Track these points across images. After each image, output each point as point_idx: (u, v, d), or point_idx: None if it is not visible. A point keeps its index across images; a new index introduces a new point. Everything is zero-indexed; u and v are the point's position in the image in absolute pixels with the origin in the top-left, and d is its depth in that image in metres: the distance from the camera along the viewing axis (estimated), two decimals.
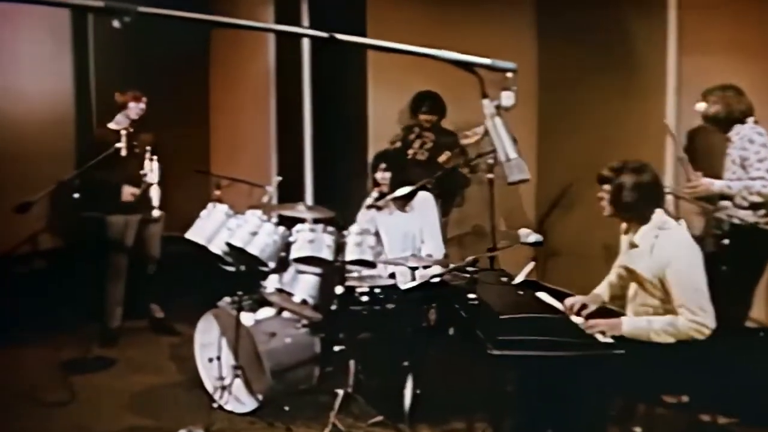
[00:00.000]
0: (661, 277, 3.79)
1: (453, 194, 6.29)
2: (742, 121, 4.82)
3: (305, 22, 6.72)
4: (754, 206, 4.76)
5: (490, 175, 4.97)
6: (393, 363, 4.75)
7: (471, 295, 3.80)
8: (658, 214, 3.90)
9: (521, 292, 4.06)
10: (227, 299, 5.07)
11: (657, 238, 3.85)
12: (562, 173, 6.30)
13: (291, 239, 4.68)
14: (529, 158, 6.50)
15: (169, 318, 6.51)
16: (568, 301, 4.16)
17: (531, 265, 4.02)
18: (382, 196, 5.25)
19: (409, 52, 2.78)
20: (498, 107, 2.84)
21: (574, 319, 3.85)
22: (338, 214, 5.15)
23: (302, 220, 4.90)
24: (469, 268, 3.82)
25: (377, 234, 4.67)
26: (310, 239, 4.60)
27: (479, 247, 6.56)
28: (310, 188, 6.93)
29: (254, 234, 4.69)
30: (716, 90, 4.84)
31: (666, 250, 3.80)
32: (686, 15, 5.33)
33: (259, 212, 4.79)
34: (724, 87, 4.84)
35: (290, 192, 6.46)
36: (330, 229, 4.65)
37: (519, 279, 4.02)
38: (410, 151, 6.28)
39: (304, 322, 4.94)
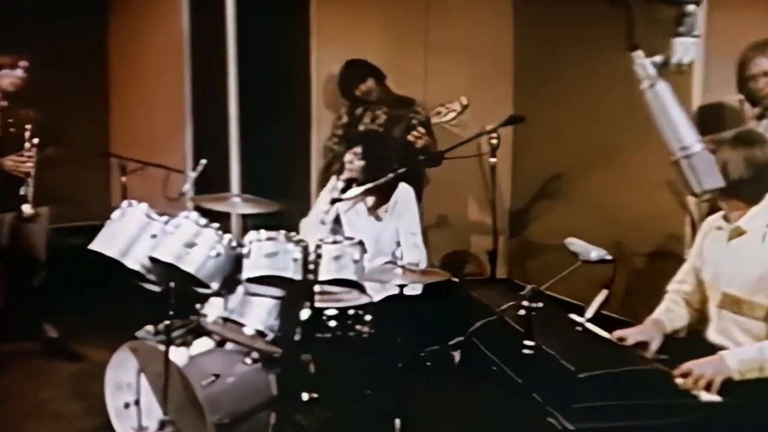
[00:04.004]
0: None
1: (421, 176, 4.94)
2: None
3: None
4: None
5: (492, 159, 3.69)
6: (374, 406, 3.51)
7: (528, 342, 2.50)
8: None
9: (579, 328, 2.81)
10: (149, 328, 3.66)
11: None
12: (544, 157, 5.12)
13: (242, 251, 3.27)
14: (504, 140, 5.26)
15: (68, 338, 4.99)
16: (620, 333, 2.94)
17: (604, 294, 2.77)
18: (348, 185, 3.92)
19: None
20: (664, 65, 1.57)
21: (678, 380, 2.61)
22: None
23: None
24: (526, 303, 2.52)
25: (362, 243, 3.31)
26: (270, 252, 3.20)
27: (448, 243, 5.31)
28: (236, 175, 5.47)
29: (190, 245, 3.27)
30: None
31: None
32: None
33: (195, 214, 3.36)
34: None
35: (210, 179, 4.96)
36: (296, 237, 3.27)
37: (590, 313, 2.76)
38: (360, 128, 4.91)
39: (255, 355, 3.58)
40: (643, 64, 1.54)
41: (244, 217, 4.79)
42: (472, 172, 5.02)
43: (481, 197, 5.28)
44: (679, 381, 2.56)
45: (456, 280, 3.61)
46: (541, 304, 2.53)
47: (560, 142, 5.04)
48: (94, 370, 4.32)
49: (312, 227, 3.97)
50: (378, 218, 4.05)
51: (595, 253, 2.82)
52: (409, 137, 4.55)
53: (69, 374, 4.68)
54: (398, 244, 4.03)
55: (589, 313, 2.74)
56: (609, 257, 2.82)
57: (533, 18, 5.38)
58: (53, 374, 4.69)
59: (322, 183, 5.12)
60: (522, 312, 2.56)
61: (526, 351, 2.54)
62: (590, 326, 2.80)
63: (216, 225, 3.35)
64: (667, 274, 4.33)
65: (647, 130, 4.47)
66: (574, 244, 2.94)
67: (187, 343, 3.59)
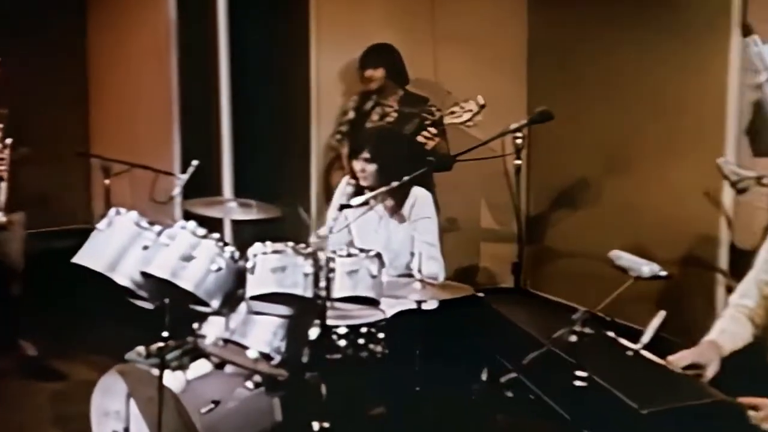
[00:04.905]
0: None
1: (431, 180, 4.63)
2: None
3: None
4: None
5: (517, 162, 3.42)
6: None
7: (580, 373, 2.23)
8: None
9: (630, 353, 2.54)
10: (140, 350, 3.38)
11: None
12: (560, 158, 4.86)
13: (247, 265, 2.97)
14: None
15: (48, 355, 4.71)
16: (676, 360, 2.67)
17: (661, 316, 2.49)
18: (358, 190, 3.65)
19: None
20: None
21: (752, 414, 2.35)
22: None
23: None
24: (578, 328, 2.25)
25: (379, 256, 3.01)
26: (277, 267, 2.89)
27: (458, 250, 5.02)
28: (228, 177, 5.18)
29: (187, 258, 2.96)
30: None
31: None
32: None
33: (192, 224, 3.05)
34: None
35: (200, 182, 4.67)
36: (306, 249, 2.97)
37: (647, 337, 2.48)
38: (368, 126, 4.64)
39: (257, 378, 3.29)
40: (760, 52, 1.26)
41: (236, 223, 4.55)
42: (485, 173, 4.76)
43: (493, 201, 5.02)
44: (750, 414, 2.31)
45: (481, 294, 3.33)
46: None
47: (578, 141, 4.83)
48: (77, 390, 4.18)
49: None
50: (402, 219, 3.77)
51: (648, 267, 2.56)
52: (419, 138, 4.27)
53: (49, 395, 4.39)
54: (412, 254, 3.75)
55: (646, 337, 2.45)
56: (664, 273, 2.55)
57: (549, 8, 5.15)
58: (31, 396, 4.41)
59: (325, 185, 4.86)
60: (573, 338, 2.29)
61: (577, 383, 2.27)
62: (644, 352, 2.53)
63: (216, 235, 3.05)
64: (699, 282, 4.12)
65: (676, 128, 4.30)
66: (622, 257, 2.67)
67: (182, 367, 3.32)
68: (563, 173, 4.98)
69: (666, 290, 4.14)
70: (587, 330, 2.27)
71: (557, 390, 2.41)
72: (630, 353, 2.54)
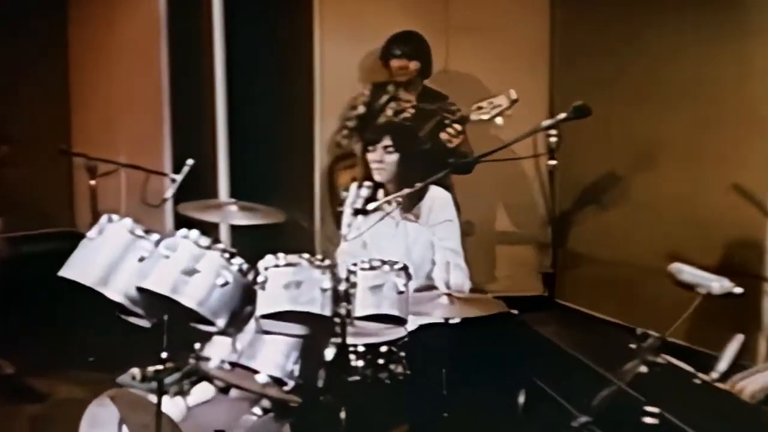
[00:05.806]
0: None
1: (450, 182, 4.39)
2: None
3: None
4: None
5: (552, 162, 3.18)
6: None
7: (651, 409, 1.98)
8: None
9: (698, 381, 2.29)
10: (135, 372, 3.11)
11: None
12: (589, 157, 4.65)
13: (257, 280, 2.72)
14: (541, 137, 4.86)
15: (26, 373, 4.46)
16: (747, 388, 2.43)
17: (739, 340, 2.25)
18: (374, 188, 3.42)
19: None
20: None
21: None
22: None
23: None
24: (649, 357, 2.00)
25: (405, 268, 2.77)
26: (292, 282, 2.65)
27: (478, 255, 4.80)
28: (224, 178, 4.98)
29: (189, 272, 2.71)
30: None
31: None
32: None
33: (195, 233, 2.80)
34: None
35: (193, 183, 4.45)
36: (324, 262, 2.72)
37: (724, 365, 2.23)
38: (381, 120, 4.42)
39: (265, 403, 3.04)
40: None
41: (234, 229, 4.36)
42: (503, 175, 4.56)
43: (511, 203, 4.80)
44: None
45: (515, 312, 3.09)
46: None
47: (608, 138, 4.64)
48: (60, 413, 3.97)
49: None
50: (410, 219, 3.54)
51: (718, 284, 2.31)
52: (442, 135, 4.03)
53: (28, 419, 4.14)
54: (433, 262, 3.51)
55: (723, 365, 2.21)
56: (738, 290, 2.30)
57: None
58: (8, 419, 4.15)
59: (330, 185, 4.63)
60: (643, 369, 2.04)
61: (647, 419, 2.02)
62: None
63: (221, 246, 2.79)
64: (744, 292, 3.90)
65: (714, 125, 4.09)
66: (685, 272, 2.41)
67: (183, 392, 3.08)
68: (588, 174, 4.79)
69: (704, 301, 3.94)
70: (659, 360, 2.02)
71: (620, 427, 2.15)
72: (698, 382, 2.31)
